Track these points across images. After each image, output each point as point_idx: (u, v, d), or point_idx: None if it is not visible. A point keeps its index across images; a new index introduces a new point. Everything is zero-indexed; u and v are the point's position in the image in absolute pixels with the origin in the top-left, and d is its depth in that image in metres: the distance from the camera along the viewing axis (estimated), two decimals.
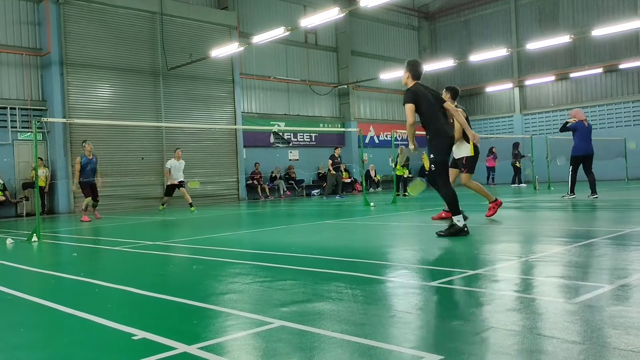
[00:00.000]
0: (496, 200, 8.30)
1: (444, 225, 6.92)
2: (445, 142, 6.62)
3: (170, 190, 14.85)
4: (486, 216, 8.23)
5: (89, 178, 13.00)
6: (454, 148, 7.85)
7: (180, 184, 14.74)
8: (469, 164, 8.30)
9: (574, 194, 12.05)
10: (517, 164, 22.61)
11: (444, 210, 8.33)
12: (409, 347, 2.45)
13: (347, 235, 7.47)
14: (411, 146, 6.83)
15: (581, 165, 11.98)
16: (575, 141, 11.96)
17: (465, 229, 6.44)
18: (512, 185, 22.40)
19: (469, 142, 8.10)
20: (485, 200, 8.50)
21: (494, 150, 24.29)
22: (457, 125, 7.57)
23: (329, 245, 6.50)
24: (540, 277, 3.98)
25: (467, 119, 7.95)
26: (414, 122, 6.48)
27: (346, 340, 2.59)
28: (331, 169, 19.20)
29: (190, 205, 14.67)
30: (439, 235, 6.47)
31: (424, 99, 6.58)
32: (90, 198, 13.14)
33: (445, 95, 8.07)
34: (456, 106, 7.91)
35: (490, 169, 24.37)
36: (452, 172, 8.04)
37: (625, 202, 11.26)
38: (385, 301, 3.42)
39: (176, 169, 14.74)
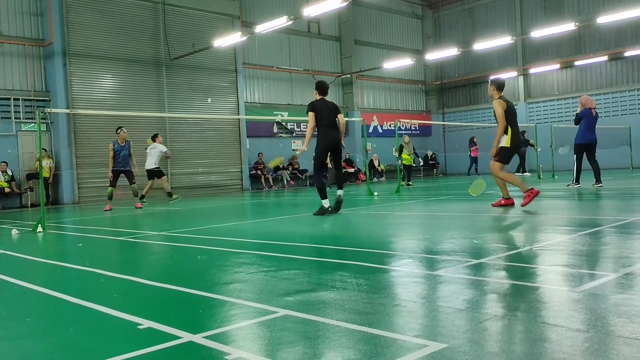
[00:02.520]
0: (532, 189, 7.89)
1: (503, 210, 7.59)
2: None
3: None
4: (521, 205, 7.88)
5: (122, 166, 12.94)
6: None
7: (155, 173, 13.64)
8: (502, 154, 8.12)
9: (579, 184, 12.00)
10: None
11: (503, 198, 8.24)
12: (413, 335, 2.46)
13: (351, 225, 7.48)
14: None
15: (585, 154, 11.88)
16: (580, 129, 11.85)
17: (330, 209, 8.33)
18: (516, 173, 22.37)
19: (506, 134, 8.02)
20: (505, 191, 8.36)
21: (475, 140, 24.51)
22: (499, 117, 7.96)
23: (333, 234, 6.50)
24: (544, 266, 3.97)
25: (509, 109, 7.98)
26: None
27: (350, 329, 2.60)
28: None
29: (170, 194, 13.78)
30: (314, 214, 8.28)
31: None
32: (113, 188, 13.12)
33: (490, 88, 8.23)
34: (500, 97, 8.09)
35: (474, 159, 24.54)
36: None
37: (630, 191, 11.22)
38: (389, 290, 3.43)
39: (151, 154, 13.70)
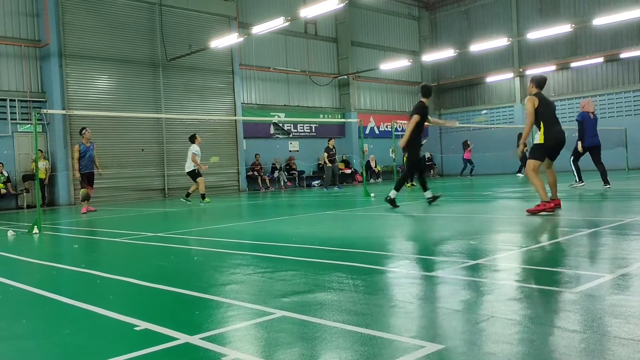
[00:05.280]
0: (549, 201, 7.26)
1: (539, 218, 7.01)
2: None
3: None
4: (527, 210, 7.35)
5: (87, 168, 12.70)
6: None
7: (191, 174, 13.77)
8: (534, 151, 7.57)
9: (583, 182, 12.10)
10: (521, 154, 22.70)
11: (542, 201, 7.33)
12: (410, 336, 2.46)
13: (347, 226, 7.48)
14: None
15: (591, 157, 11.94)
16: (581, 133, 11.88)
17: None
18: (518, 174, 22.43)
19: (539, 130, 7.53)
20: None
21: (468, 142, 25.17)
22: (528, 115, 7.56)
23: (330, 236, 6.50)
24: (541, 267, 3.98)
25: (542, 104, 7.48)
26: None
27: (347, 330, 2.59)
28: (327, 161, 19.16)
29: (202, 196, 13.86)
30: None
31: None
32: (85, 190, 12.96)
33: (530, 86, 7.83)
34: (537, 94, 7.58)
35: (467, 161, 25.07)
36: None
37: (626, 192, 11.25)
38: (386, 291, 3.43)
39: (188, 156, 13.91)
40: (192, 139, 14.26)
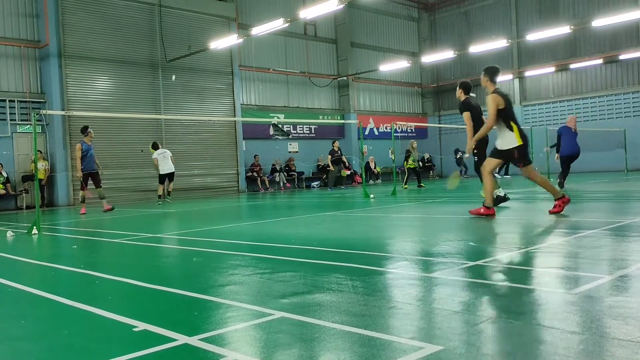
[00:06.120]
0: (563, 196, 7.16)
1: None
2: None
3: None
4: (549, 212, 7.19)
5: (89, 167, 12.66)
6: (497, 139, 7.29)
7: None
8: (520, 155, 7.19)
9: (564, 187, 12.44)
10: None
11: (557, 200, 7.20)
12: (409, 337, 2.46)
13: (347, 227, 7.48)
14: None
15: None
16: (562, 144, 12.86)
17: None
18: (497, 175, 22.58)
19: (512, 131, 7.12)
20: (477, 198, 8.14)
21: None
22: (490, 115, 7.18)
23: (329, 237, 6.50)
24: (539, 268, 3.98)
25: (508, 101, 7.13)
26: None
27: (346, 331, 2.59)
28: (331, 164, 19.22)
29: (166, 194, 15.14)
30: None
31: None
32: (85, 191, 12.91)
33: (483, 79, 7.49)
34: (497, 91, 7.23)
35: (462, 163, 25.64)
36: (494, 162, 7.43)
37: (625, 193, 11.26)
38: (385, 292, 3.43)
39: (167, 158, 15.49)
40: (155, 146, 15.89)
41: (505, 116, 7.14)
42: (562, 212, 7.10)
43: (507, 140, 7.16)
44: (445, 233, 6.28)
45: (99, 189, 12.97)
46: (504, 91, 7.43)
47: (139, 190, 18.26)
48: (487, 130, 7.46)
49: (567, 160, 12.85)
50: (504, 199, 8.83)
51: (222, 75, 20.99)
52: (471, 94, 8.85)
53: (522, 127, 7.42)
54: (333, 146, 19.43)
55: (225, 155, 20.92)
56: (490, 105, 7.13)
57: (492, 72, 7.44)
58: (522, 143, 7.08)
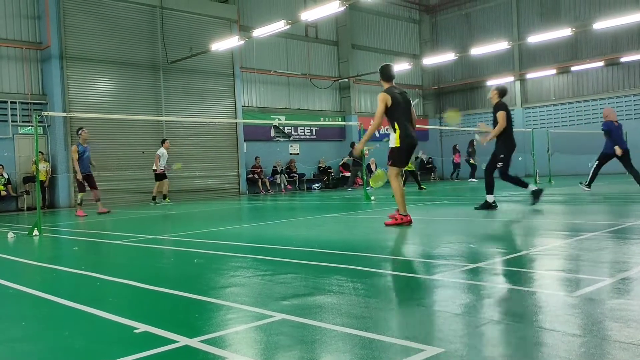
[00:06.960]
0: (407, 215, 6.97)
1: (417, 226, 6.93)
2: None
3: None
4: (385, 223, 7.08)
5: (85, 169, 12.61)
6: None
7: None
8: (393, 157, 7.06)
9: (590, 189, 12.18)
10: (472, 161, 23.17)
11: (398, 213, 7.05)
12: (409, 340, 2.45)
13: (347, 229, 7.47)
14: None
15: (622, 163, 12.21)
16: (609, 142, 12.07)
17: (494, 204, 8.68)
18: (471, 180, 22.62)
19: (394, 131, 6.94)
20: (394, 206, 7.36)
21: (457, 147, 25.81)
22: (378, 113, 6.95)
23: (330, 238, 6.50)
24: (540, 271, 3.98)
25: (395, 100, 6.90)
26: None
27: (347, 333, 2.59)
28: (350, 166, 19.82)
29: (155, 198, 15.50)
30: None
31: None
32: (83, 193, 12.84)
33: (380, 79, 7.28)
34: (388, 89, 6.99)
35: (457, 165, 25.71)
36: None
37: (626, 196, 11.26)
38: (386, 294, 3.43)
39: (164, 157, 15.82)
40: (162, 143, 16.25)
41: (390, 116, 6.95)
42: (402, 225, 6.89)
43: (391, 140, 7.04)
44: (446, 235, 6.28)
45: (95, 190, 12.92)
46: (396, 90, 7.11)
47: (140, 191, 18.25)
48: (374, 130, 7.25)
49: (609, 159, 12.22)
50: (539, 191, 8.95)
51: (223, 77, 21.01)
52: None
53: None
54: (353, 148, 19.57)
55: (226, 157, 20.93)
56: (380, 105, 6.91)
57: (386, 73, 7.22)
58: (398, 145, 6.92)
